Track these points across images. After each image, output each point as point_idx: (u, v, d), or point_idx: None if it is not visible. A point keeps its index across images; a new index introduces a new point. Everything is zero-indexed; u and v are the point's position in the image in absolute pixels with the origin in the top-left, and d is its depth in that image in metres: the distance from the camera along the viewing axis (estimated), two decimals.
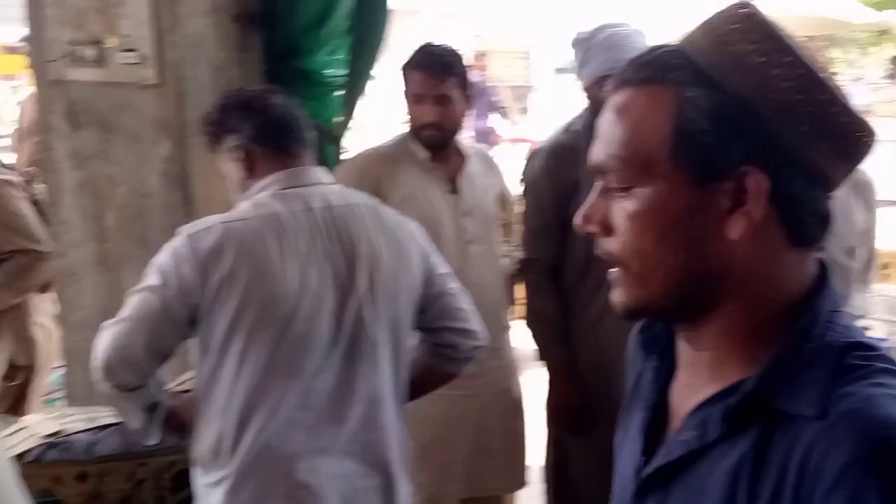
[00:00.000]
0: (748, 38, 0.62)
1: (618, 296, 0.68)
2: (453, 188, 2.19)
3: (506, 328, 2.30)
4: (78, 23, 2.15)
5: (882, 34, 11.63)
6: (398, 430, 1.60)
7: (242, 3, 2.31)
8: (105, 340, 1.50)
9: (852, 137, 0.64)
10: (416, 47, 2.20)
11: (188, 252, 1.47)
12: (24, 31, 2.48)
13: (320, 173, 1.64)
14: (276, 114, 1.61)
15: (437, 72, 2.11)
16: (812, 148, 0.62)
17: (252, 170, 1.58)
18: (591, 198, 0.68)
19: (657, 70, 0.65)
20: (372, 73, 2.39)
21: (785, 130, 0.62)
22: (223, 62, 2.28)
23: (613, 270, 0.68)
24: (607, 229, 0.67)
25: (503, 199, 2.38)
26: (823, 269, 0.67)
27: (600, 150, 0.67)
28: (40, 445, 1.85)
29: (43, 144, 2.27)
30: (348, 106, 2.38)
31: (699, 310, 0.66)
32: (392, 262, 1.56)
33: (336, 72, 2.33)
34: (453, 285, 1.68)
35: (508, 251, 2.39)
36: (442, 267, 1.68)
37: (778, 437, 0.60)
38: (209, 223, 1.52)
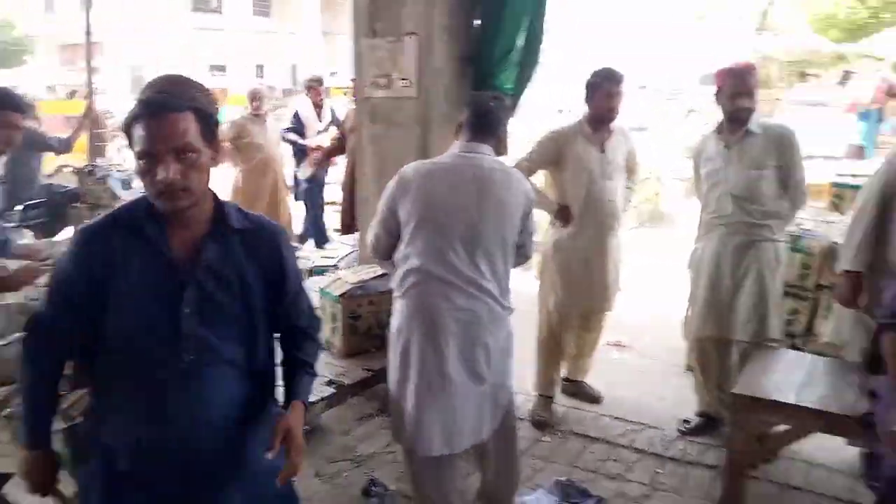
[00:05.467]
0: None
1: None
2: (602, 149, 3.65)
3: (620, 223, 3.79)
4: (379, 66, 3.87)
5: None
6: None
7: (464, 50, 3.79)
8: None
9: None
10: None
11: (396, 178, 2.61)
12: (351, 73, 4.34)
13: (484, 148, 2.56)
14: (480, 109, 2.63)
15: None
16: None
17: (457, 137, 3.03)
18: None
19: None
20: (528, 89, 3.85)
21: None
22: (451, 84, 3.78)
23: None
24: None
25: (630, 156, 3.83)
26: None
27: None
28: (350, 288, 3.64)
29: (357, 132, 4.13)
30: (513, 107, 3.88)
31: None
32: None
33: (510, 86, 3.75)
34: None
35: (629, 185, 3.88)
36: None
37: None
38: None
